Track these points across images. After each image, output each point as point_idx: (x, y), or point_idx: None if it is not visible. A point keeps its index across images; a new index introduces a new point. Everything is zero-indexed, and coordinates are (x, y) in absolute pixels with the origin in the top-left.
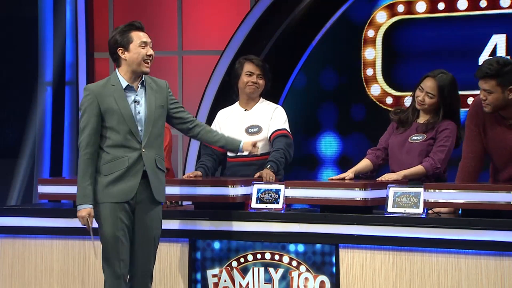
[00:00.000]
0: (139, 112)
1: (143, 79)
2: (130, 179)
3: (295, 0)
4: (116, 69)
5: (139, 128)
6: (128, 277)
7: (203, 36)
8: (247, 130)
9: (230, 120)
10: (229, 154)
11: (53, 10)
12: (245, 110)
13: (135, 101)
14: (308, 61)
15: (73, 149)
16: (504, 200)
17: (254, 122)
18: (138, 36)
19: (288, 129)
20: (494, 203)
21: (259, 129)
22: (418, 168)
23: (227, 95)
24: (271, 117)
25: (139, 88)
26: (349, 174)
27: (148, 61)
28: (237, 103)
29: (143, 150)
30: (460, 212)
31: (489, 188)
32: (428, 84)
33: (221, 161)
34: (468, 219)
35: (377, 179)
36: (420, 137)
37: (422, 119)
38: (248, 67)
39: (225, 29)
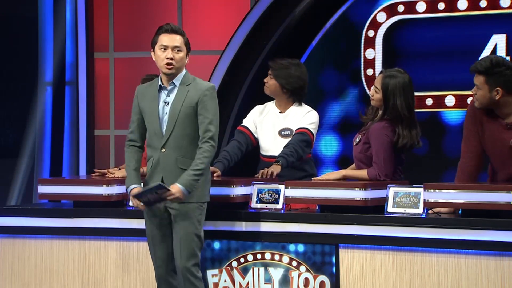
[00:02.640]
0: (166, 113)
1: (175, 79)
2: (154, 178)
3: (295, 0)
4: None
5: (164, 129)
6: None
7: (203, 36)
8: (280, 133)
9: (266, 119)
10: (261, 152)
11: (53, 10)
12: (280, 112)
13: (164, 102)
14: (308, 61)
15: (73, 149)
16: (504, 200)
17: (287, 125)
18: (162, 39)
19: (311, 129)
20: (494, 203)
21: (291, 133)
22: (362, 173)
23: (227, 95)
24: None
25: (170, 88)
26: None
27: (169, 63)
28: (273, 103)
29: (162, 150)
30: (460, 212)
31: (489, 188)
32: (378, 79)
33: (248, 151)
34: (468, 219)
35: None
36: (357, 140)
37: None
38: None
39: (225, 29)
